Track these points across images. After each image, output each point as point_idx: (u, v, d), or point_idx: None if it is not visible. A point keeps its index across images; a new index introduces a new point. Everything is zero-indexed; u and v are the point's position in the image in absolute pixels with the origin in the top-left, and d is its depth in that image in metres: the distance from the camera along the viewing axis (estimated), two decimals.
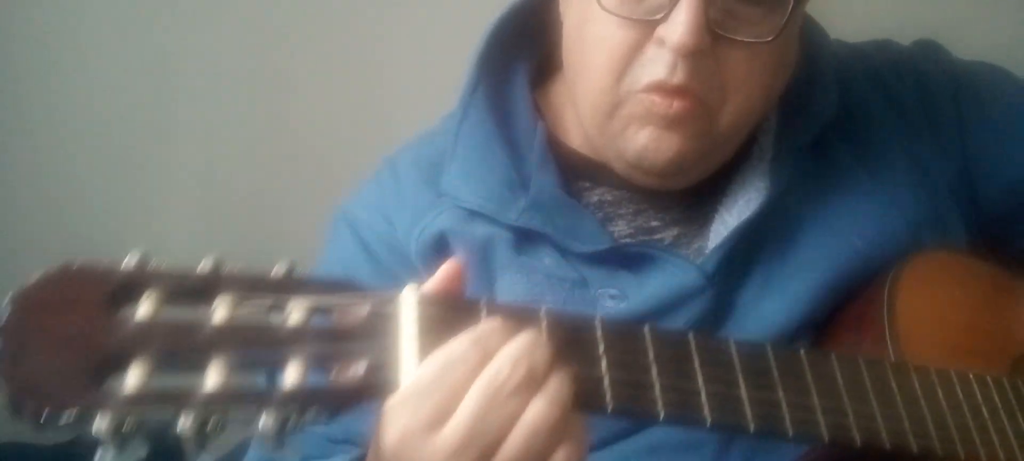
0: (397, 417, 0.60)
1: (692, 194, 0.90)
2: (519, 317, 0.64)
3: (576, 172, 0.92)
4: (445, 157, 0.92)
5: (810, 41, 0.93)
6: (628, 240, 0.90)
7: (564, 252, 0.87)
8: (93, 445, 0.54)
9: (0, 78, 1.65)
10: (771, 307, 0.87)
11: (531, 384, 0.60)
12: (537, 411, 0.60)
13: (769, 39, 0.80)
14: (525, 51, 0.96)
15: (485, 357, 0.60)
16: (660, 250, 0.89)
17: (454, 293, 0.66)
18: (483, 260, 0.88)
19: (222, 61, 1.68)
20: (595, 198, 0.92)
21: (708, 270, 0.86)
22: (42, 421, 0.53)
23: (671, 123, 0.81)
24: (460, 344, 0.60)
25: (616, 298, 0.86)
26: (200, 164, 1.71)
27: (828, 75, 0.94)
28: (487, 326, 0.62)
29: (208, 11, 1.65)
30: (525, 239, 0.88)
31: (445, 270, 0.66)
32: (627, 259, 0.87)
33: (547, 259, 0.88)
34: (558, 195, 0.88)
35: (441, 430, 0.59)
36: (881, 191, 0.92)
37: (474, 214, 0.89)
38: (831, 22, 0.97)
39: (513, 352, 0.60)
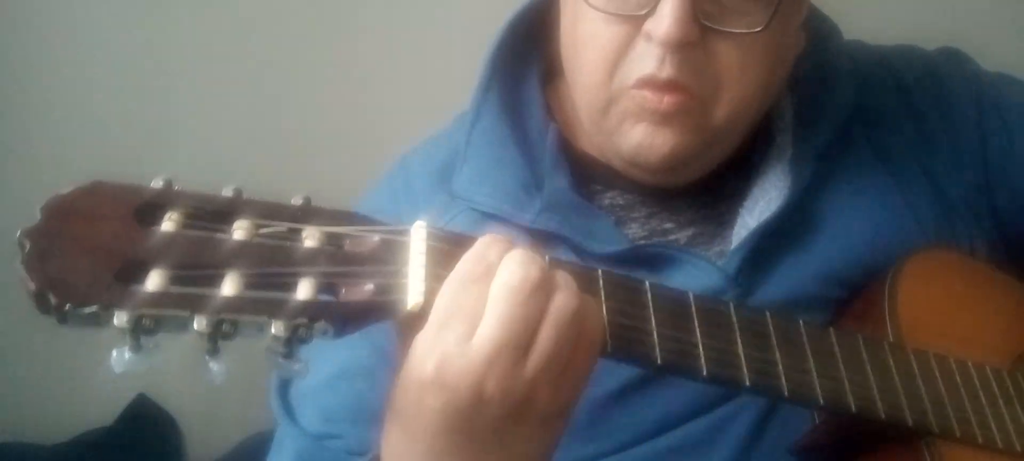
0: (431, 346, 0.61)
1: (707, 195, 0.90)
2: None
3: (588, 175, 0.91)
4: (457, 158, 0.92)
5: (820, 35, 0.93)
6: (643, 242, 0.89)
7: (581, 254, 0.85)
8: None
9: None
10: (793, 307, 0.84)
11: (545, 282, 0.62)
12: (560, 302, 0.62)
13: (759, 29, 0.80)
14: (536, 52, 0.96)
15: (490, 268, 0.62)
16: (678, 251, 0.88)
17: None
18: None
19: (222, 61, 1.68)
20: (607, 201, 0.91)
21: (730, 271, 0.86)
22: (65, 314, 0.55)
23: (664, 118, 0.81)
24: (464, 263, 0.63)
25: None
26: (200, 167, 1.71)
27: (842, 69, 0.94)
28: (483, 241, 0.64)
29: (210, 11, 1.66)
30: (541, 242, 0.84)
31: None
32: (646, 260, 0.86)
33: (564, 260, 0.87)
34: (572, 197, 0.88)
35: (472, 343, 0.61)
36: (899, 196, 0.92)
37: (488, 217, 0.87)
38: (850, 23, 0.98)
39: (517, 256, 0.62)
